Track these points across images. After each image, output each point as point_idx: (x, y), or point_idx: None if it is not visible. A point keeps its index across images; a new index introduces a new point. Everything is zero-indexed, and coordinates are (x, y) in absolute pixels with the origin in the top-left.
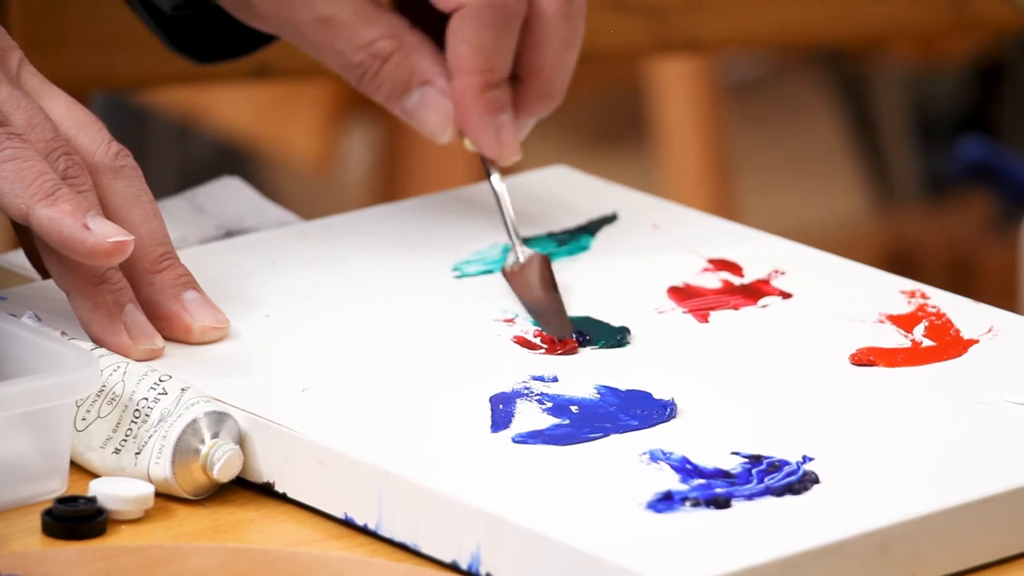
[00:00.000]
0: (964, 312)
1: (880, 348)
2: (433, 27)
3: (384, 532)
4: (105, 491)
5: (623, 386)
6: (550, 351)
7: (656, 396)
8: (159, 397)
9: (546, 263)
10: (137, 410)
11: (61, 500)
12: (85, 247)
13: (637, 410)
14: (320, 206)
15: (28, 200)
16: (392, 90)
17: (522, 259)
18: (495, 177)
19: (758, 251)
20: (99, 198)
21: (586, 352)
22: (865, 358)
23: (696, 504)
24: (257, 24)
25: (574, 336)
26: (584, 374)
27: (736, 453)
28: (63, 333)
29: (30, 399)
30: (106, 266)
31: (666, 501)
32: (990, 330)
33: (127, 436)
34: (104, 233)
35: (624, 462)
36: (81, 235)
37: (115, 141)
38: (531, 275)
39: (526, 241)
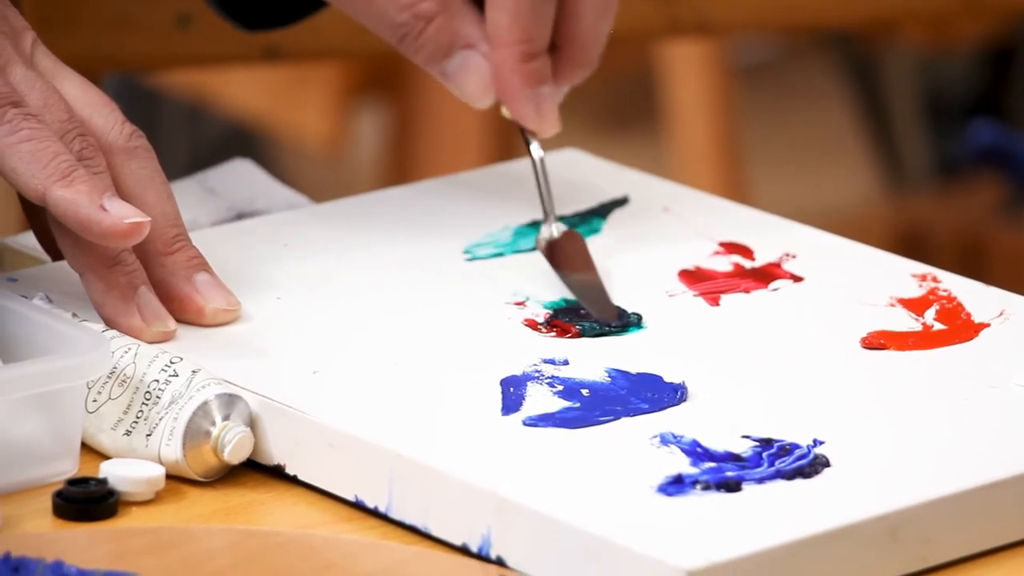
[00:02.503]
0: (975, 296)
1: (891, 332)
2: None
3: (394, 515)
4: (116, 473)
5: (634, 369)
6: (559, 335)
7: (667, 379)
8: (170, 379)
9: (582, 240)
10: (148, 392)
11: (72, 482)
12: (101, 228)
13: (648, 393)
14: (331, 188)
15: (45, 181)
16: (433, 53)
17: (556, 234)
18: (535, 147)
19: (769, 234)
20: (113, 179)
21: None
22: (876, 342)
23: (707, 487)
24: None
25: (618, 321)
26: (595, 357)
27: (747, 436)
28: (74, 315)
29: (41, 381)
30: (121, 247)
31: (677, 484)
32: (1001, 314)
33: (138, 418)
34: (120, 214)
35: (635, 445)
36: (98, 216)
37: (128, 122)
38: (569, 252)
39: (536, 223)
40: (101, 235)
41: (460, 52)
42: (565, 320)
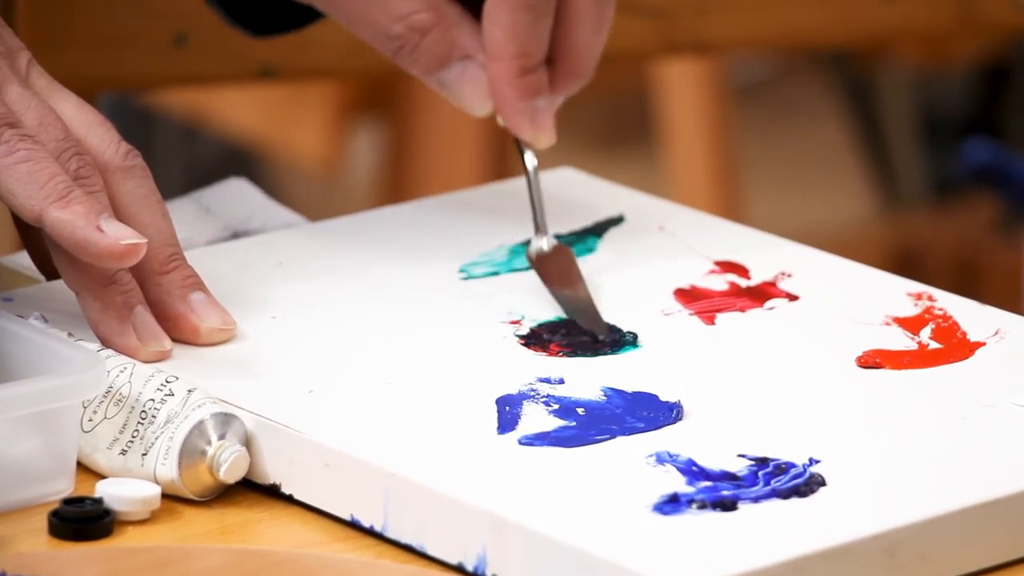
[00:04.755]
0: (971, 314)
1: (887, 350)
2: (471, 1)
3: (390, 534)
4: (112, 492)
5: (629, 388)
6: (550, 354)
7: (662, 398)
8: (166, 398)
9: (572, 255)
10: (144, 411)
11: (68, 501)
12: (98, 249)
13: (643, 412)
14: (327, 207)
15: (41, 202)
16: (430, 64)
17: (546, 248)
18: (529, 158)
19: (764, 253)
20: (109, 198)
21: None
22: (872, 360)
23: (702, 506)
24: None
25: (605, 337)
26: (590, 376)
27: (742, 455)
28: (70, 334)
29: (37, 400)
30: (117, 268)
31: (672, 503)
32: (996, 332)
33: (134, 437)
34: (117, 235)
35: (630, 464)
36: (94, 237)
37: (125, 141)
38: (560, 266)
39: (530, 242)
40: (97, 256)
41: (457, 62)
42: (547, 338)
